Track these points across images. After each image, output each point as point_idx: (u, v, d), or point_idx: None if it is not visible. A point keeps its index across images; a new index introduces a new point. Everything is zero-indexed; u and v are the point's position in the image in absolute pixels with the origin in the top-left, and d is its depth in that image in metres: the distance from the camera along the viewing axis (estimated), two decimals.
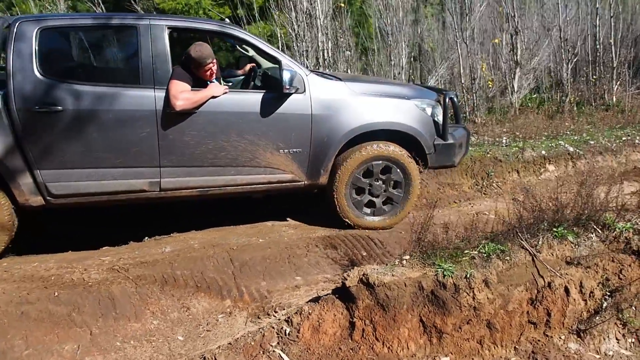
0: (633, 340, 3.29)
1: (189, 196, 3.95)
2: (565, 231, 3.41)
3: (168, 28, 3.82)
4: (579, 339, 3.22)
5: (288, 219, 4.43)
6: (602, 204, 3.59)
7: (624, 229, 3.54)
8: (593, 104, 8.99)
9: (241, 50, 5.09)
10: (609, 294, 3.37)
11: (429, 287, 3.03)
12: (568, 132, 7.83)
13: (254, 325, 3.09)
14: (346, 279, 3.03)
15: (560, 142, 7.18)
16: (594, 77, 9.03)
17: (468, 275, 3.06)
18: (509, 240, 3.33)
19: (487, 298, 3.07)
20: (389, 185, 4.31)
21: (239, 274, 3.52)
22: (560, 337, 3.20)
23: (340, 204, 4.20)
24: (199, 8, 11.98)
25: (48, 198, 3.68)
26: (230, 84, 5.05)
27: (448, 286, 3.03)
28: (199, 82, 3.91)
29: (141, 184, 3.78)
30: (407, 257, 3.23)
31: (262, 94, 3.96)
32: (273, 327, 2.96)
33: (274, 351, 2.84)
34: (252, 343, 2.88)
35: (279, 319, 3.04)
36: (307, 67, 5.51)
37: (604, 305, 3.31)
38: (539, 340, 3.16)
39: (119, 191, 3.77)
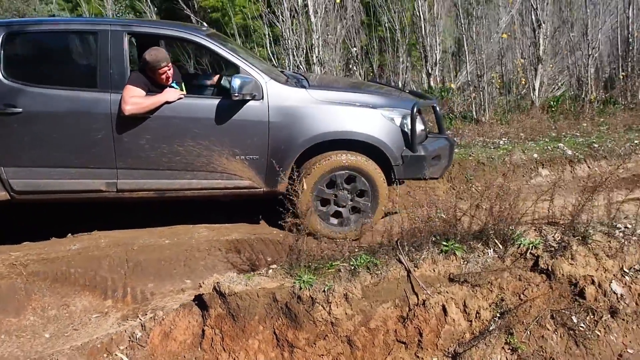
0: None
1: (147, 197, 4.02)
2: (456, 246, 3.15)
3: (127, 34, 3.91)
4: None
5: (214, 221, 4.40)
6: (510, 217, 3.28)
7: (531, 245, 3.24)
8: (623, 103, 8.22)
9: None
10: (499, 315, 3.08)
11: (284, 299, 2.91)
12: (577, 134, 7.22)
13: (119, 327, 3.11)
14: (201, 286, 2.99)
15: (560, 144, 6.64)
16: (623, 73, 8.24)
17: (327, 289, 2.91)
18: (388, 253, 3.13)
19: (346, 314, 2.90)
20: (354, 195, 4.16)
21: (130, 275, 3.56)
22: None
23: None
24: (234, 5, 12.19)
25: (12, 194, 3.88)
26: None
27: (304, 299, 2.90)
28: (158, 87, 3.96)
29: (98, 184, 3.89)
30: (275, 266, 3.13)
31: (219, 100, 3.95)
32: (126, 331, 2.98)
33: (116, 355, 2.86)
34: (99, 345, 2.91)
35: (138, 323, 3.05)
36: (284, 70, 5.40)
37: (491, 327, 3.04)
38: None
39: (77, 190, 3.90)
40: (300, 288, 2.91)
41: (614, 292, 3.26)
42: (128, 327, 3.02)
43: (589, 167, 6.47)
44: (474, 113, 8.25)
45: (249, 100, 3.89)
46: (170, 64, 4.00)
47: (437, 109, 4.61)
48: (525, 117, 8.16)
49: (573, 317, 3.17)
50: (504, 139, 7.06)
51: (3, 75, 3.78)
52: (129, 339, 2.93)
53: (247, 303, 2.91)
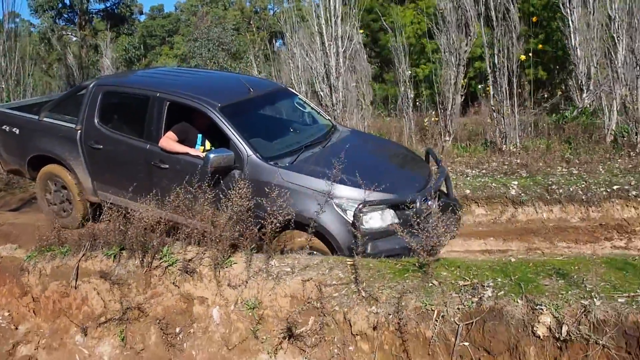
0: (128, 353, 3.65)
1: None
2: (115, 251, 3.92)
3: (167, 101, 4.61)
4: (83, 334, 3.82)
5: None
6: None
7: (171, 261, 3.77)
8: None
9: (297, 106, 5.40)
10: (124, 310, 3.75)
11: (17, 266, 4.28)
12: (564, 172, 5.90)
13: None
14: None
15: (514, 182, 5.69)
16: None
17: (33, 264, 4.15)
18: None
19: (35, 283, 4.09)
20: None
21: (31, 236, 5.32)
22: (73, 330, 3.88)
23: None
24: None
25: (100, 199, 4.95)
26: None
27: (23, 268, 4.21)
28: (197, 133, 4.66)
29: (137, 207, 4.13)
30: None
31: None
32: None
33: None
34: None
35: None
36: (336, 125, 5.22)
37: (109, 317, 3.76)
38: (63, 326, 3.95)
39: (124, 207, 4.29)
40: (24, 260, 4.23)
41: (213, 317, 3.51)
42: None
43: (536, 211, 5.43)
44: (497, 141, 7.34)
45: (232, 169, 4.21)
46: None
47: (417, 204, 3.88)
48: (558, 148, 6.87)
49: (176, 328, 3.60)
50: (474, 171, 6.34)
51: (98, 122, 4.92)
52: None
53: (6, 264, 4.38)
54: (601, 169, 5.85)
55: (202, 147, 4.68)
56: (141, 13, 30.78)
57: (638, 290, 2.56)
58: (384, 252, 3.76)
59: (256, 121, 4.97)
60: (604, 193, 5.19)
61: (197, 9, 39.80)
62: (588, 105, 8.27)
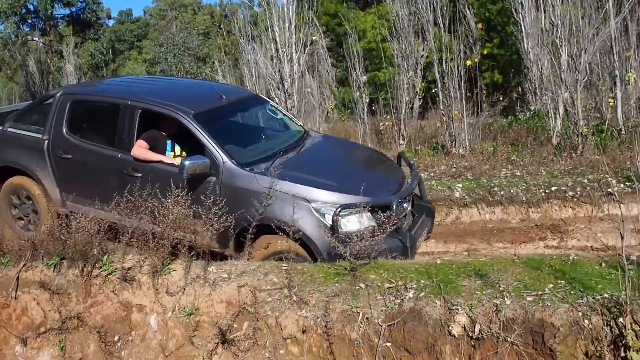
0: None
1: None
2: (55, 261, 3.90)
3: (139, 109, 4.58)
4: (23, 345, 3.79)
5: None
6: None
7: (111, 270, 3.78)
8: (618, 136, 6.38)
9: (269, 113, 5.45)
10: (63, 320, 3.74)
11: None
12: (507, 174, 6.12)
13: None
14: None
15: (459, 185, 5.87)
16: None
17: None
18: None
19: None
20: None
21: None
22: (13, 341, 3.85)
23: None
24: None
25: (69, 210, 4.81)
26: None
27: None
28: (166, 138, 4.69)
29: (111, 217, 4.14)
30: None
31: None
32: None
33: None
34: None
35: None
36: (308, 131, 5.22)
37: (49, 327, 3.75)
38: (3, 337, 3.91)
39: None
40: None
41: (151, 324, 3.55)
42: None
43: (479, 212, 5.61)
44: (447, 144, 7.53)
45: (208, 175, 4.18)
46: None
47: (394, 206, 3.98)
48: (505, 151, 7.11)
49: (115, 336, 3.61)
50: (423, 174, 6.50)
51: (66, 131, 4.84)
52: None
53: None
54: (542, 171, 6.07)
55: (172, 153, 4.72)
56: (109, 17, 30.46)
57: (546, 289, 2.71)
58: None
59: (230, 128, 5.02)
60: (543, 194, 5.40)
61: (166, 13, 39.42)
62: (541, 108, 8.60)
